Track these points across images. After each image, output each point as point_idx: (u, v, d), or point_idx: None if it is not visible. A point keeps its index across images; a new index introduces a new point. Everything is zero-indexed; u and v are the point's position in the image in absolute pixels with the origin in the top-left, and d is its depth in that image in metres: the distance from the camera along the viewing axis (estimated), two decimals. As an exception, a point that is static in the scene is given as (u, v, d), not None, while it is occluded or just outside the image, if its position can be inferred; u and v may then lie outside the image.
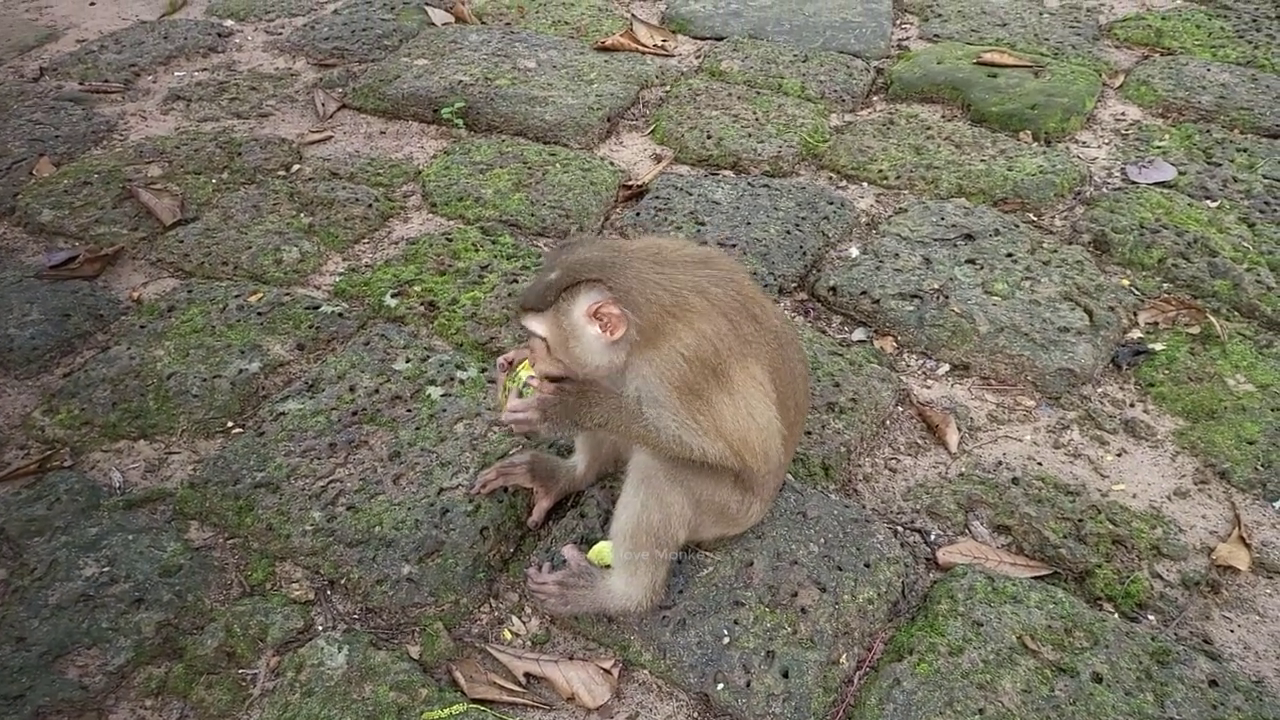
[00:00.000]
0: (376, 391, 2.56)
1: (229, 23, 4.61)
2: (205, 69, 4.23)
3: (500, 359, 2.05)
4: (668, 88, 4.02)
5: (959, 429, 2.53)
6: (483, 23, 4.56)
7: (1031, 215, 3.28)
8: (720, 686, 1.93)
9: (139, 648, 2.02)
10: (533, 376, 1.92)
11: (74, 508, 2.30)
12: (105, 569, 2.16)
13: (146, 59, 4.25)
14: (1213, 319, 2.78)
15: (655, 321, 1.78)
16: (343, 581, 2.15)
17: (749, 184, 3.38)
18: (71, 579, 2.14)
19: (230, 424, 2.55)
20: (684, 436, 1.82)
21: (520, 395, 1.91)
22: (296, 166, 3.57)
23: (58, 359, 2.76)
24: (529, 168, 3.49)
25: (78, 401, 2.57)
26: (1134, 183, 3.40)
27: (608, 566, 2.05)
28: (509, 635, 2.08)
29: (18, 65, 4.26)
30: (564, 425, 1.88)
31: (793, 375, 1.96)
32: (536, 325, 1.84)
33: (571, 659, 2.02)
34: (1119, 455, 2.47)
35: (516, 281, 2.94)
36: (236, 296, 2.90)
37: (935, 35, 4.38)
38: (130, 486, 2.39)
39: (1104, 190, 3.38)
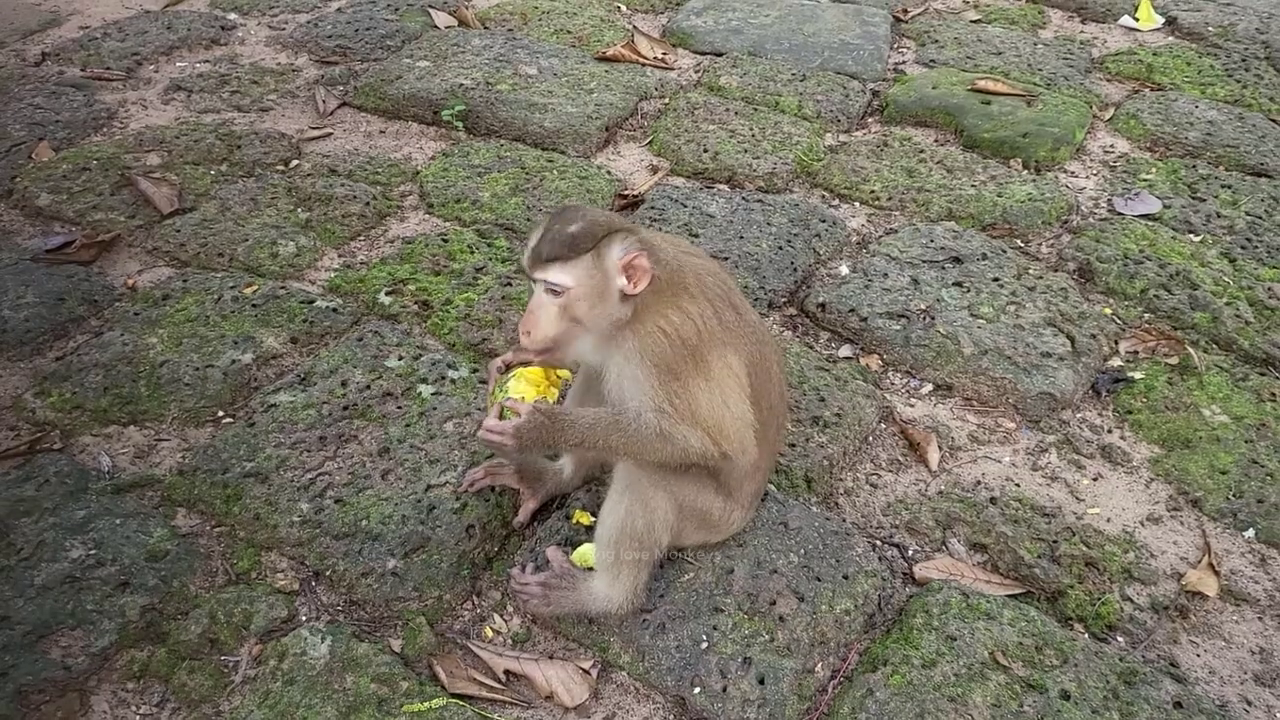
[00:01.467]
0: (368, 387, 2.59)
1: (232, 16, 4.63)
2: (207, 61, 4.25)
3: (495, 361, 2.07)
4: (666, 100, 4.06)
5: (940, 448, 2.58)
6: (485, 28, 4.60)
7: (1019, 241, 3.33)
8: (697, 690, 1.96)
9: (123, 630, 2.04)
10: (510, 399, 1.92)
11: (62, 490, 2.31)
12: (92, 552, 2.17)
13: (149, 48, 4.27)
14: (1191, 350, 2.84)
15: (655, 289, 1.81)
16: (328, 573, 2.17)
17: (743, 199, 3.43)
18: (58, 560, 2.15)
19: (221, 413, 2.57)
20: (664, 426, 1.82)
21: (501, 415, 1.91)
22: (295, 162, 3.60)
23: (50, 342, 2.77)
24: (527, 173, 3.52)
25: (69, 385, 2.58)
26: (1120, 214, 3.46)
27: (590, 569, 2.08)
28: (490, 633, 2.11)
29: (20, 49, 4.27)
30: (538, 449, 1.89)
31: (769, 374, 1.99)
32: (562, 275, 1.78)
33: (551, 658, 2.05)
34: (1095, 480, 2.52)
35: (510, 285, 2.97)
36: (231, 288, 2.92)
37: (931, 61, 4.44)
38: (119, 471, 2.41)
39: (1090, 220, 3.44)
